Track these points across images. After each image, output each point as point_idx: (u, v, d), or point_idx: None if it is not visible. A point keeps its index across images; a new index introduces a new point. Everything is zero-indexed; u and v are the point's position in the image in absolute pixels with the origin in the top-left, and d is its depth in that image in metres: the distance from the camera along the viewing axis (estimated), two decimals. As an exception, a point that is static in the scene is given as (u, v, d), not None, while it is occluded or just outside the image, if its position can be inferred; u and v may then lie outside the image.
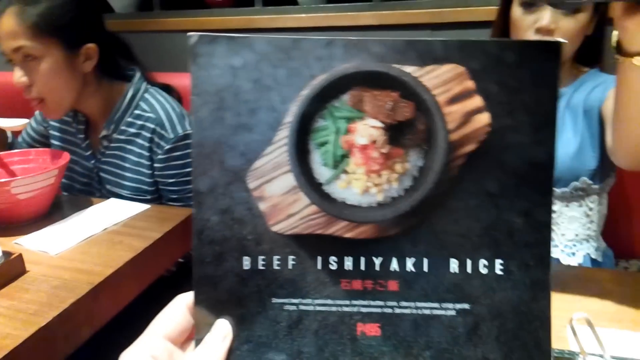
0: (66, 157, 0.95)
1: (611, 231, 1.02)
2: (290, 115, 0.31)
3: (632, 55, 0.59)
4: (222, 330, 0.32)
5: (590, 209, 0.92)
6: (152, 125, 1.03)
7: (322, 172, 0.32)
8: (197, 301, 0.32)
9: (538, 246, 0.32)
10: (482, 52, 0.31)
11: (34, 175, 0.86)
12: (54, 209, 0.95)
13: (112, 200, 1.00)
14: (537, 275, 0.32)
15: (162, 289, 0.87)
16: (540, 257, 0.32)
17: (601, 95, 0.85)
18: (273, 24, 1.47)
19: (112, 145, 1.07)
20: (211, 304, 0.33)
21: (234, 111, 0.32)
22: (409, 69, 0.31)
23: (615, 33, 0.61)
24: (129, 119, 1.05)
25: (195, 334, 0.33)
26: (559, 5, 0.66)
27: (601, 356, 0.52)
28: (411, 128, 0.32)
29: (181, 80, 1.31)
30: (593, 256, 0.93)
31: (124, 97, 1.04)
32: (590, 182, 0.89)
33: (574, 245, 0.92)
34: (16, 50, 0.93)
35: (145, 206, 0.96)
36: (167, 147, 1.02)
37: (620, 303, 0.65)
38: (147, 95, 1.07)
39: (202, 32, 0.31)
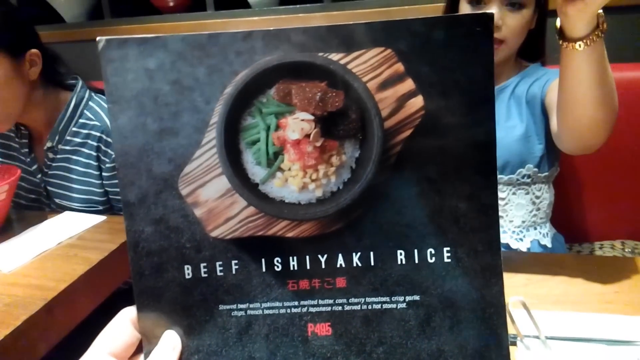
0: (16, 172, 0.93)
1: (563, 217, 1.05)
2: (216, 115, 0.30)
3: (574, 40, 0.61)
4: (170, 342, 0.31)
5: (537, 197, 0.94)
6: (97, 134, 1.02)
7: (256, 171, 0.31)
8: (141, 314, 0.31)
9: (486, 230, 0.31)
10: (409, 32, 0.29)
11: (-18, 191, 0.84)
12: (7, 225, 0.93)
13: (66, 213, 0.99)
14: (487, 260, 0.31)
15: (120, 301, 0.86)
16: (489, 242, 0.31)
17: (543, 87, 0.87)
18: (226, 28, 1.45)
19: (58, 157, 1.05)
20: (156, 317, 0.31)
21: (156, 116, 0.30)
22: (335, 56, 0.30)
23: (557, 20, 0.63)
24: (74, 129, 1.03)
25: (144, 347, 0.32)
26: None
27: (537, 337, 0.53)
28: (344, 118, 0.30)
29: None
30: (542, 242, 0.95)
31: (67, 106, 1.03)
32: (536, 169, 0.90)
33: (521, 232, 0.94)
34: None
35: (101, 218, 0.95)
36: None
37: (566, 285, 0.66)
38: (91, 103, 1.05)
39: (111, 37, 0.29)
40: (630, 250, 1.02)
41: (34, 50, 0.97)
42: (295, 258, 0.31)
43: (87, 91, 1.06)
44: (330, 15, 1.37)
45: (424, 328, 0.31)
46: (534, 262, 0.73)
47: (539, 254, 0.91)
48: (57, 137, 1.03)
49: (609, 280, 0.66)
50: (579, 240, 1.10)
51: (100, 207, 1.05)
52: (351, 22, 0.29)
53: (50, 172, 1.07)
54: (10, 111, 0.97)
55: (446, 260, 0.31)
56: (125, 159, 0.30)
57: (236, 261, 0.31)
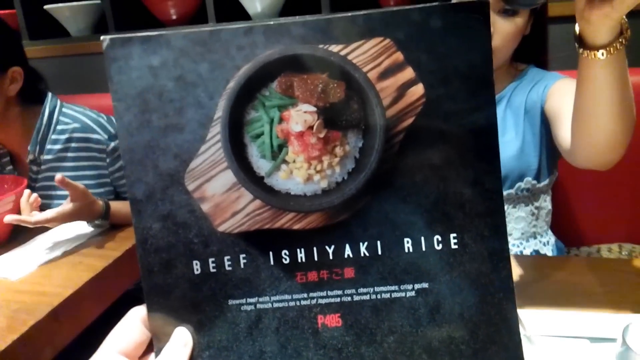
0: (23, 182, 0.94)
1: (561, 220, 1.04)
2: (220, 110, 0.30)
3: (596, 48, 0.56)
4: (182, 339, 0.31)
5: (537, 208, 0.91)
6: (82, 135, 1.03)
7: (261, 164, 0.31)
8: (151, 312, 0.31)
9: (491, 215, 0.31)
10: (406, 21, 0.30)
11: (-9, 202, 0.85)
12: (14, 234, 0.95)
13: (72, 222, 0.99)
14: (494, 245, 0.31)
15: (125, 307, 0.86)
16: (495, 226, 0.31)
17: (542, 93, 0.84)
18: None
19: (43, 168, 1.05)
20: (166, 313, 0.31)
21: (160, 112, 0.30)
22: (335, 47, 0.30)
23: (576, 26, 0.58)
24: (53, 137, 1.04)
25: (154, 345, 0.32)
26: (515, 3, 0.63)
27: (522, 334, 0.53)
28: (346, 109, 0.31)
29: None
30: (542, 251, 0.93)
31: (42, 116, 1.04)
32: (534, 182, 0.88)
33: (521, 244, 0.92)
34: None
35: (105, 226, 0.96)
36: (109, 148, 1.03)
37: (557, 286, 0.66)
38: (64, 110, 1.07)
39: (115, 36, 0.29)
40: (627, 253, 1.02)
41: (16, 68, 0.98)
42: (302, 250, 0.31)
43: (58, 100, 1.08)
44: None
45: (434, 315, 0.31)
46: (525, 265, 0.73)
47: (530, 256, 0.89)
48: (37, 148, 1.03)
49: (599, 281, 0.66)
50: (577, 244, 1.09)
51: None
52: (349, 13, 0.30)
53: (37, 186, 1.07)
54: None
55: (453, 246, 0.31)
56: (131, 156, 0.31)
57: (244, 255, 0.31)
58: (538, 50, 0.91)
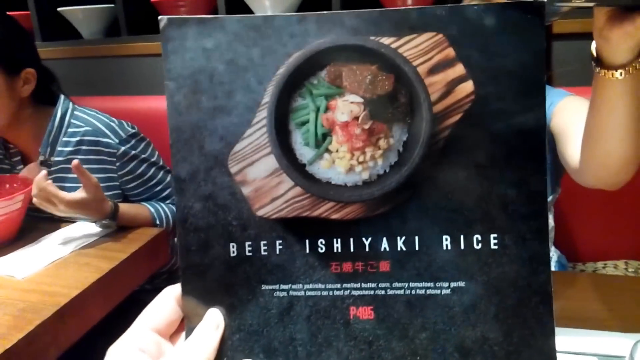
0: (32, 182, 0.94)
1: (568, 236, 1.03)
2: (268, 95, 0.31)
3: (614, 68, 0.55)
4: (214, 320, 0.31)
5: None
6: (92, 138, 1.04)
7: (304, 152, 0.31)
8: (185, 291, 0.32)
9: (534, 218, 0.31)
10: (461, 18, 0.30)
11: (0, 201, 0.86)
12: (21, 234, 0.96)
13: (79, 223, 1.00)
14: (535, 248, 0.31)
15: (132, 306, 0.88)
16: (537, 230, 0.31)
17: (547, 111, 0.82)
18: None
19: (52, 169, 1.06)
20: (200, 294, 0.32)
21: (210, 94, 0.31)
22: (387, 40, 0.30)
23: (593, 44, 0.57)
24: (64, 139, 1.05)
25: (185, 325, 0.32)
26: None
27: None
28: (393, 101, 0.31)
29: (149, 103, 1.33)
30: None
31: (54, 118, 1.05)
32: None
33: None
34: None
35: (113, 228, 0.96)
36: (119, 152, 1.04)
37: (562, 302, 0.65)
38: (77, 113, 1.08)
39: (172, 16, 0.30)
40: (633, 270, 0.99)
41: (30, 69, 1.00)
42: (339, 240, 0.31)
43: (70, 103, 1.09)
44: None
45: (469, 315, 0.31)
46: None
47: None
48: (48, 149, 1.04)
49: (605, 298, 0.65)
50: (583, 259, 1.08)
51: None
52: (403, 7, 0.30)
53: None
54: None
55: (493, 247, 0.31)
56: (178, 135, 0.31)
57: (280, 241, 0.32)
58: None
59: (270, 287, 0.32)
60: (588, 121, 0.63)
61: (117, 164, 1.05)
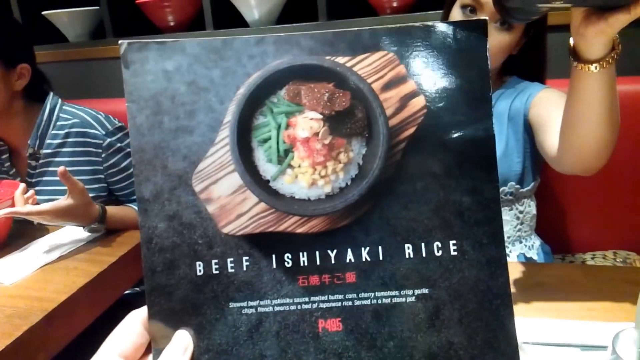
0: (19, 187, 0.94)
1: (555, 228, 1.06)
2: (229, 114, 0.31)
3: (590, 62, 0.59)
4: (182, 342, 0.31)
5: (521, 212, 0.95)
6: (80, 129, 1.06)
7: (267, 168, 0.32)
8: (152, 314, 0.31)
9: (489, 223, 0.32)
10: (410, 37, 0.32)
11: (-13, 207, 0.84)
12: (9, 239, 0.95)
13: (67, 227, 1.00)
14: (492, 252, 0.32)
15: (120, 312, 0.86)
16: (493, 234, 0.32)
17: (525, 102, 0.88)
18: None
19: (40, 162, 1.08)
20: (167, 316, 0.31)
21: (172, 115, 0.31)
22: (342, 59, 0.32)
23: (571, 40, 0.62)
24: (53, 132, 1.07)
25: (152, 349, 0.31)
26: (513, 16, 0.66)
27: None
28: (351, 117, 0.32)
29: None
30: (528, 255, 0.95)
31: (43, 111, 1.08)
32: (518, 186, 0.91)
33: (507, 247, 0.95)
34: None
35: (101, 232, 0.96)
36: (105, 143, 1.06)
37: (549, 293, 0.67)
38: (65, 107, 1.11)
39: (132, 40, 0.31)
40: (622, 260, 1.03)
41: (25, 65, 1.04)
42: (305, 254, 0.32)
43: (59, 99, 1.12)
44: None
45: (434, 321, 0.31)
46: (519, 272, 0.74)
47: (525, 263, 0.91)
48: (37, 142, 1.07)
49: (592, 289, 0.68)
50: (571, 251, 1.11)
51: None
52: (356, 29, 0.32)
53: (34, 181, 1.09)
54: None
55: (452, 253, 0.32)
56: (141, 156, 0.31)
57: (247, 257, 0.32)
58: (536, 69, 0.95)
59: (238, 304, 0.32)
60: (566, 110, 0.67)
61: (103, 155, 1.07)
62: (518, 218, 0.95)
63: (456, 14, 0.86)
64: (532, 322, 0.59)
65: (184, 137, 0.32)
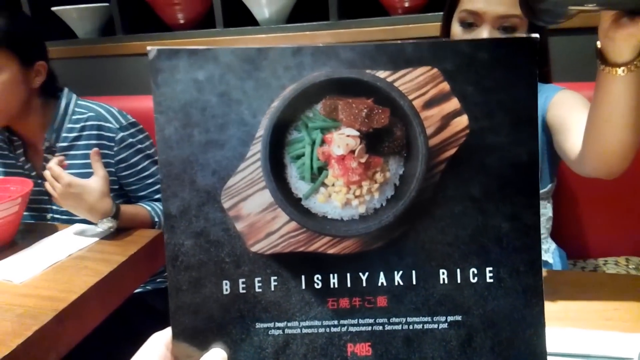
0: (29, 184, 0.94)
1: (567, 233, 1.05)
2: (262, 128, 0.30)
3: (617, 65, 0.60)
4: (217, 357, 0.30)
5: None
6: (95, 122, 1.07)
7: (299, 186, 0.31)
8: (176, 333, 0.30)
9: (527, 251, 0.31)
10: (455, 53, 0.30)
11: (-3, 204, 0.84)
12: (18, 238, 0.94)
13: (77, 225, 0.99)
14: (529, 281, 0.31)
15: (131, 309, 0.88)
16: (531, 262, 0.31)
17: (543, 104, 0.87)
18: (235, 45, 1.47)
19: (56, 155, 1.07)
20: (191, 335, 0.30)
21: (202, 127, 0.30)
22: (382, 74, 0.30)
23: (598, 43, 0.61)
24: (69, 125, 1.08)
25: None
26: (541, 19, 0.64)
27: None
28: (389, 135, 0.30)
29: (144, 103, 1.32)
30: (543, 258, 0.95)
31: (58, 107, 1.09)
32: None
33: None
34: None
35: (111, 230, 0.95)
36: (117, 137, 1.07)
37: (566, 302, 0.66)
38: (80, 102, 1.12)
39: (162, 47, 0.29)
40: (634, 266, 1.02)
41: (42, 62, 1.05)
42: (336, 275, 0.31)
43: (73, 95, 1.13)
44: (336, 32, 1.40)
45: (465, 349, 0.30)
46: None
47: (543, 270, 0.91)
48: (54, 135, 1.08)
49: (608, 298, 0.66)
50: (583, 256, 1.10)
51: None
52: (399, 41, 0.30)
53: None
54: (9, 110, 1.02)
55: (488, 280, 0.31)
56: (169, 170, 0.30)
57: (275, 277, 0.31)
58: (540, 72, 0.93)
59: (265, 325, 0.31)
60: (591, 113, 0.67)
61: (115, 149, 1.07)
62: None
63: (457, 31, 0.84)
64: (552, 331, 0.58)
65: (214, 152, 0.30)
